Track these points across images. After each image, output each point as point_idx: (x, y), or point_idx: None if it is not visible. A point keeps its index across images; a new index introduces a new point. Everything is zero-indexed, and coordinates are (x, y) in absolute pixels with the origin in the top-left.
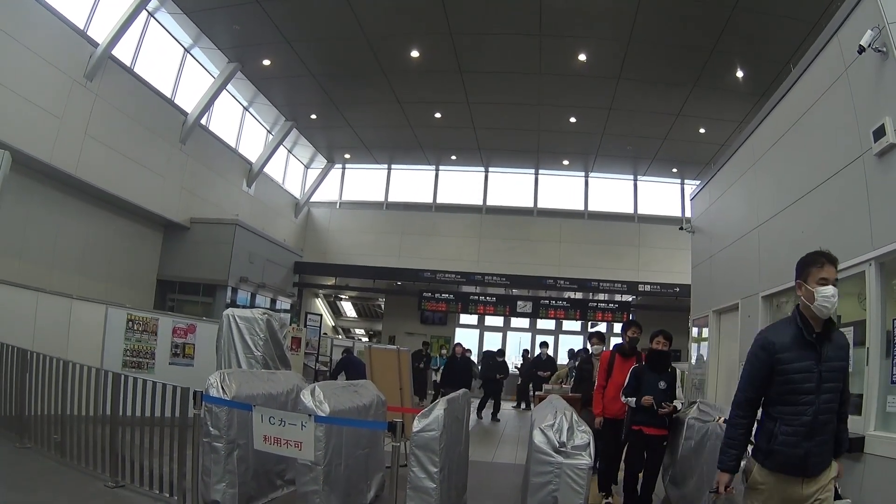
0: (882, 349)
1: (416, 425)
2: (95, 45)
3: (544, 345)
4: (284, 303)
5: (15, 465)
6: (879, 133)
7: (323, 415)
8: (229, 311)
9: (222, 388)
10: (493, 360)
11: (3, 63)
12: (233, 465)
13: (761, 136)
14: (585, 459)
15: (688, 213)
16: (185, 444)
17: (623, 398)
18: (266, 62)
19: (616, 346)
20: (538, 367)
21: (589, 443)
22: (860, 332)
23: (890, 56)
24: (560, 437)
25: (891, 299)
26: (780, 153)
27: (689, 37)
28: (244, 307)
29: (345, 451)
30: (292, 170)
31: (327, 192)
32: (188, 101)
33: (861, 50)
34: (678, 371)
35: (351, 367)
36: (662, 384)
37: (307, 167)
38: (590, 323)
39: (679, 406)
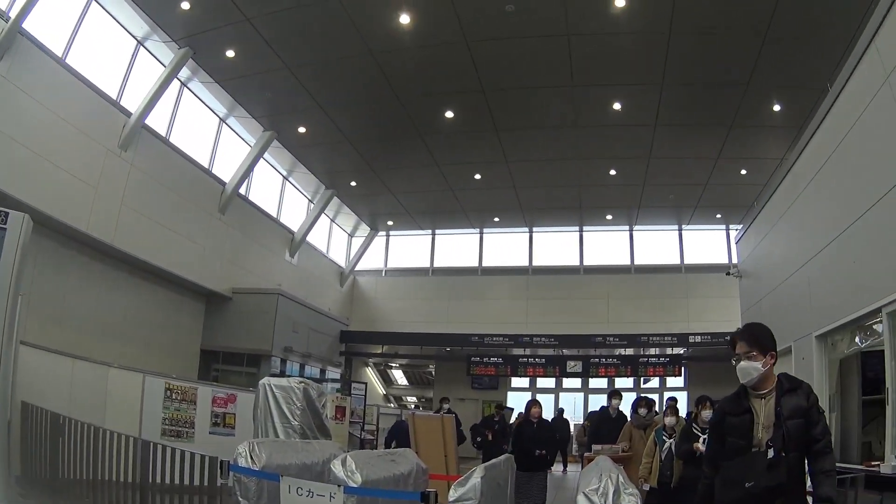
0: None
1: (452, 495)
2: (128, 114)
3: (534, 404)
4: (334, 372)
5: None
6: None
7: (354, 485)
8: (265, 379)
9: (251, 458)
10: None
11: (38, 132)
12: None
13: (802, 166)
14: None
15: (734, 259)
16: None
17: None
18: (301, 129)
19: None
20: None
21: None
22: None
23: None
24: (605, 502)
25: None
26: (823, 182)
27: (721, 75)
28: (290, 377)
29: None
30: (336, 238)
31: (372, 259)
32: (226, 170)
33: None
34: None
35: (401, 433)
36: None
37: (351, 235)
38: (642, 378)
39: None
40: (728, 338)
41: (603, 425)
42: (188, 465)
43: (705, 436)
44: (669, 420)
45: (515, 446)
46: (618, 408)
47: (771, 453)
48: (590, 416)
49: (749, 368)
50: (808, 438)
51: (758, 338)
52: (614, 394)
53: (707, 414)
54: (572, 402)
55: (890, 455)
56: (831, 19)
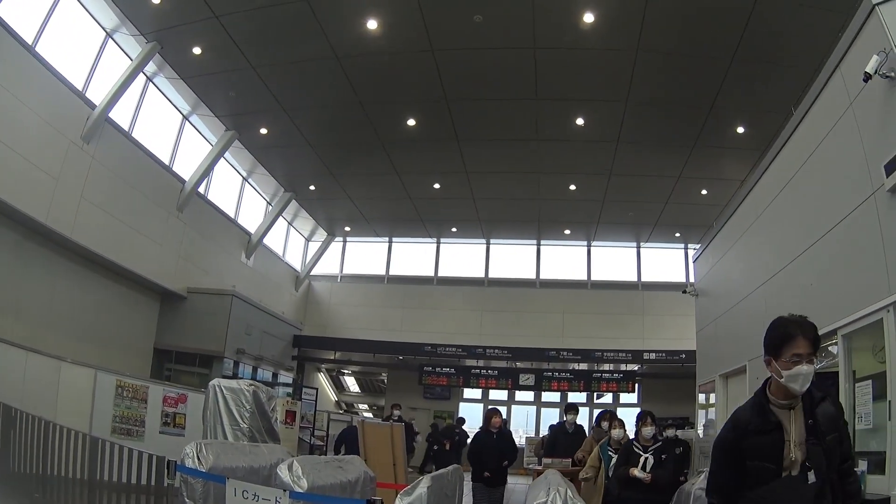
0: None
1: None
2: (93, 106)
3: (494, 413)
4: (286, 377)
5: None
6: (892, 166)
7: (300, 490)
8: (215, 381)
9: (198, 459)
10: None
11: (2, 119)
12: None
13: (764, 187)
14: None
15: (692, 278)
16: None
17: None
18: (263, 131)
19: None
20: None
21: None
22: (879, 385)
23: None
24: None
25: None
26: (784, 203)
27: (686, 95)
28: (241, 379)
29: None
30: (293, 242)
31: (328, 265)
32: (186, 168)
33: (867, 78)
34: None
35: (350, 439)
36: None
37: (308, 240)
38: (595, 394)
39: None
40: (784, 331)
41: (559, 439)
42: (136, 463)
43: (647, 455)
44: (617, 433)
45: (473, 458)
46: (574, 422)
47: (812, 477)
48: (550, 429)
49: (810, 374)
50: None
51: (818, 337)
52: (570, 408)
53: (649, 431)
54: (525, 416)
55: None
56: (799, 45)
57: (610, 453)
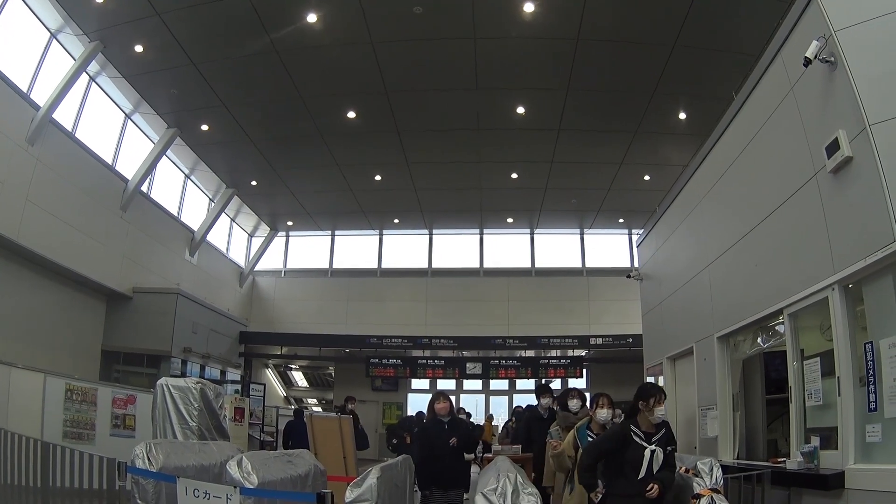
0: (854, 377)
1: (349, 496)
2: (37, 108)
3: (439, 396)
4: (234, 374)
5: None
6: (833, 148)
7: (250, 486)
8: (163, 380)
9: (148, 460)
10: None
11: None
12: None
13: (706, 171)
14: None
15: (636, 263)
16: None
17: None
18: (204, 127)
19: None
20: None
21: None
22: (827, 362)
23: (839, 65)
24: (504, 502)
25: (857, 325)
26: (726, 187)
27: (627, 82)
28: (189, 378)
29: None
30: (236, 239)
31: (272, 260)
32: (129, 167)
33: (807, 62)
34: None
35: (296, 433)
36: None
37: (251, 236)
38: (543, 380)
39: None
40: None
41: (533, 427)
42: (87, 467)
43: (653, 447)
44: (603, 414)
45: (423, 453)
46: (549, 406)
47: None
48: (515, 414)
49: None
50: None
51: None
52: (544, 390)
53: (661, 411)
54: (474, 404)
55: (795, 452)
56: (740, 31)
57: (591, 440)
